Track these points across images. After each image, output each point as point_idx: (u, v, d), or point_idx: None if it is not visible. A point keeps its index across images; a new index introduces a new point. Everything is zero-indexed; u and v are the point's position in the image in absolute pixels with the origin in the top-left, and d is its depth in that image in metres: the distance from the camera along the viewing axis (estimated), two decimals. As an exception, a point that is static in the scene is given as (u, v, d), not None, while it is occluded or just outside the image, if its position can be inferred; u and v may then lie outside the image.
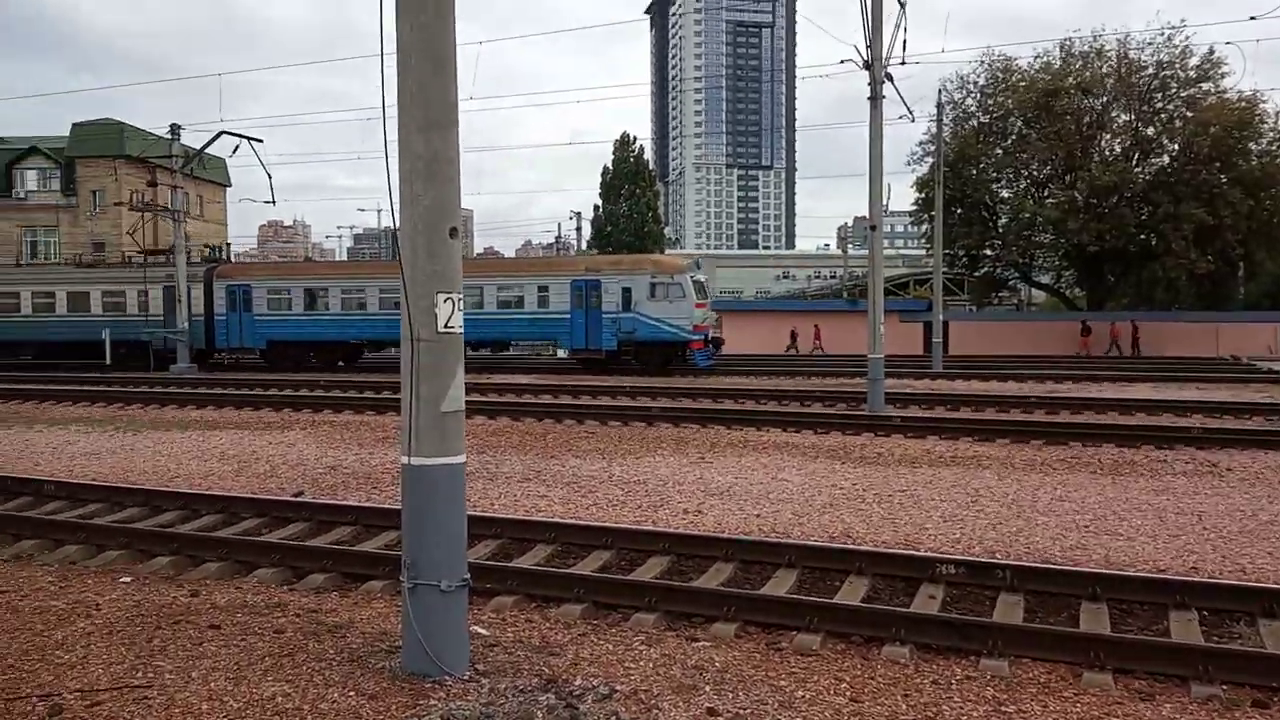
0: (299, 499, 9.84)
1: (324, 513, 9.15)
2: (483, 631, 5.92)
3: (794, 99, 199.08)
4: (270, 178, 43.46)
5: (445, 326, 5.21)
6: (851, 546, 7.58)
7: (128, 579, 7.33)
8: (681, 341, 29.42)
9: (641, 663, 5.42)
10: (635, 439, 14.76)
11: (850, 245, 66.59)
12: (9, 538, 8.65)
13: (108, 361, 33.62)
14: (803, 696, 4.94)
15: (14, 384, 25.56)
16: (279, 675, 5.17)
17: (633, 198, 62.90)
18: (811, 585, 6.98)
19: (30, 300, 35.39)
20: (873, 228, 18.70)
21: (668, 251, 73.42)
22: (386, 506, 9.19)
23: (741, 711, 4.73)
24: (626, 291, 29.69)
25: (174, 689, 4.99)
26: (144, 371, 31.63)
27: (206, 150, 34.40)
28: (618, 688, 4.97)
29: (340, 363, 33.95)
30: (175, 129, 34.82)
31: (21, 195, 54.01)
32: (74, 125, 53.29)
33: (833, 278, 69.19)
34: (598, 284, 30.14)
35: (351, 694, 4.90)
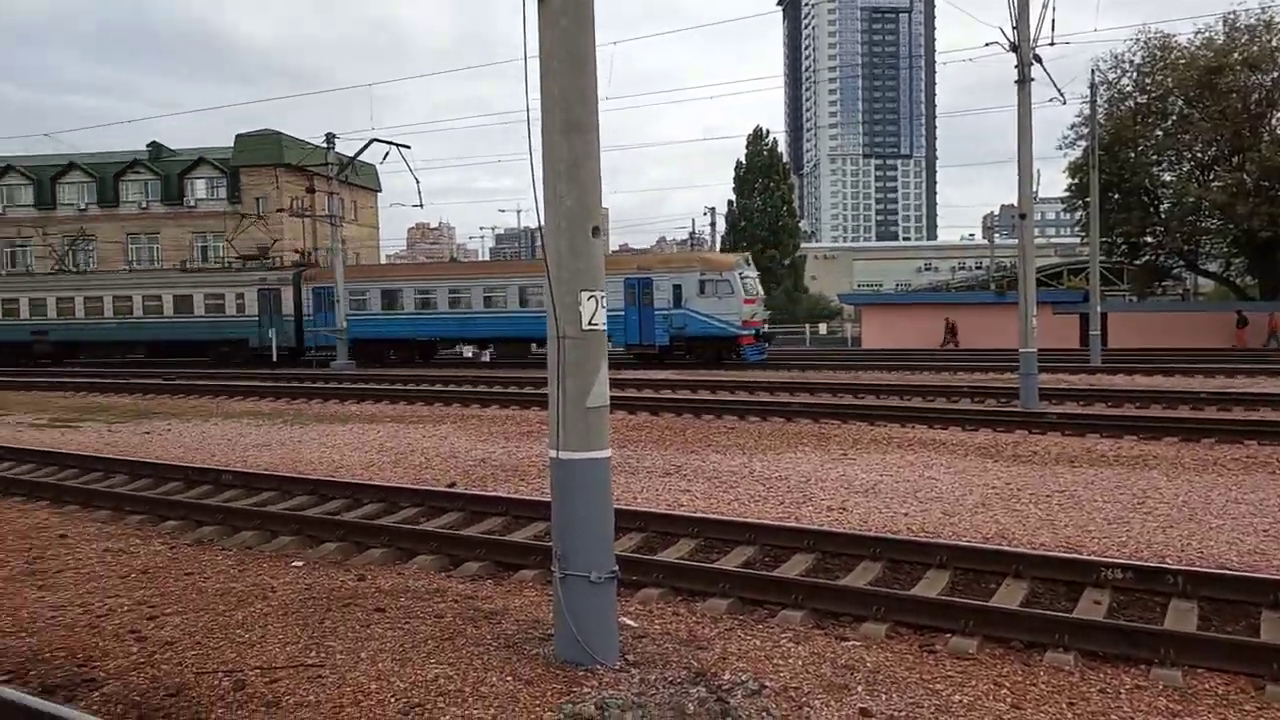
0: (452, 490, 10.20)
1: (476, 503, 9.45)
2: (631, 623, 5.99)
3: (934, 85, 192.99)
4: (418, 182, 45.54)
5: (590, 324, 5.29)
6: (1008, 548, 7.28)
7: (299, 563, 7.77)
8: (731, 336, 30.17)
9: (790, 660, 5.38)
10: (775, 435, 14.64)
11: (997, 235, 64.10)
12: (193, 524, 9.31)
13: (274, 359, 35.77)
14: (960, 701, 4.79)
15: (192, 380, 27.50)
16: (441, 658, 5.38)
17: (766, 191, 62.37)
18: (965, 587, 6.75)
19: (141, 303, 38.08)
20: (1022, 216, 17.95)
21: (804, 246, 72.42)
22: (534, 498, 9.42)
23: (896, 714, 4.63)
24: (677, 288, 30.56)
25: (344, 668, 5.26)
26: (267, 367, 33.33)
27: (358, 157, 36.07)
28: (767, 684, 4.95)
29: (417, 358, 35.46)
30: (330, 138, 36.60)
31: (192, 203, 57.88)
32: (237, 136, 56.73)
33: (978, 269, 66.75)
34: (649, 282, 31.14)
35: (509, 678, 5.06)
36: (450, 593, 6.76)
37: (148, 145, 59.78)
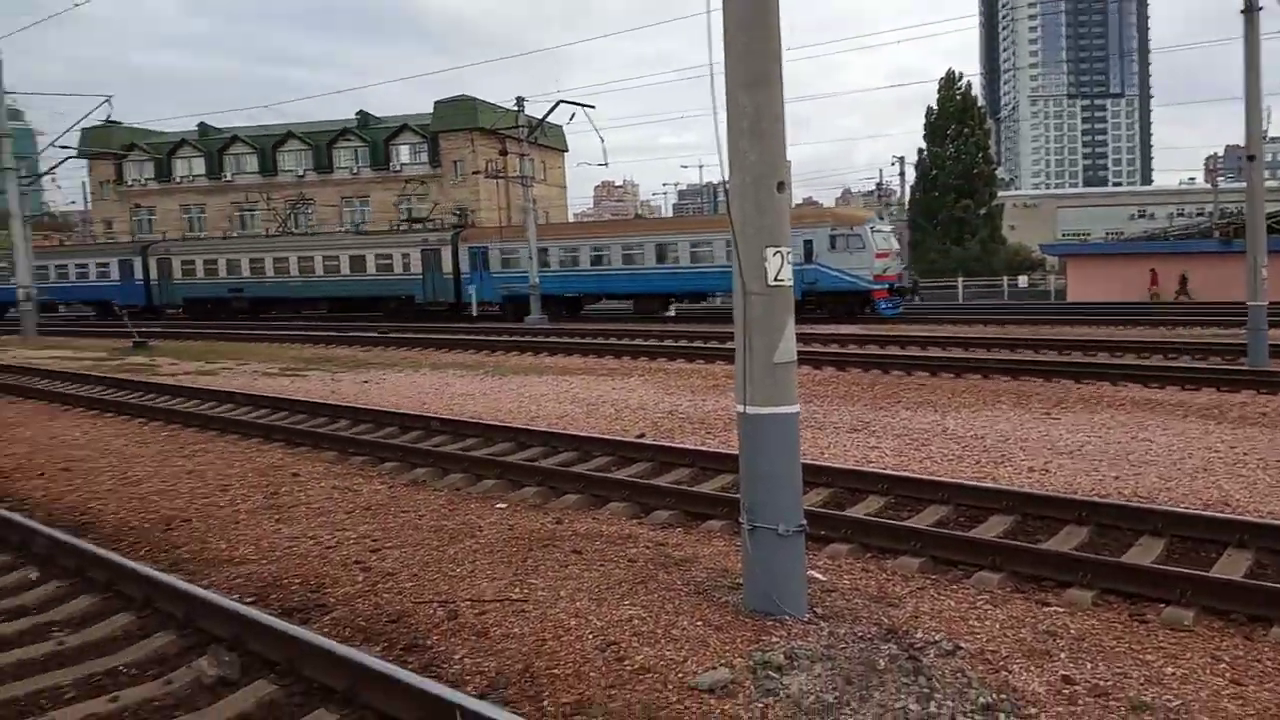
0: (641, 440, 10.46)
1: (664, 454, 9.66)
2: (819, 577, 6.00)
3: (1146, 19, 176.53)
4: (603, 141, 46.63)
5: (775, 279, 5.27)
6: (1232, 516, 6.77)
7: (502, 505, 8.23)
8: (862, 291, 30.64)
9: (987, 622, 5.24)
10: (970, 392, 14.10)
11: (1221, 178, 58.57)
12: (408, 465, 10.02)
13: (474, 314, 37.69)
14: (1172, 673, 4.55)
15: (403, 334, 29.36)
16: (634, 600, 5.59)
17: (960, 138, 59.29)
18: (1182, 556, 6.34)
19: (321, 263, 41.52)
20: (1250, 157, 16.39)
21: (1001, 194, 68.56)
22: (720, 451, 9.53)
23: (1101, 682, 4.45)
24: (808, 244, 30.77)
25: (546, 604, 5.56)
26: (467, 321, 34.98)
27: (546, 119, 36.99)
28: (962, 645, 4.86)
29: (564, 311, 36.63)
30: (520, 101, 37.71)
31: (397, 168, 61.20)
32: (436, 103, 59.35)
33: (1199, 215, 61.15)
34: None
35: (699, 623, 5.19)
36: (642, 539, 6.99)
37: (356, 114, 63.58)
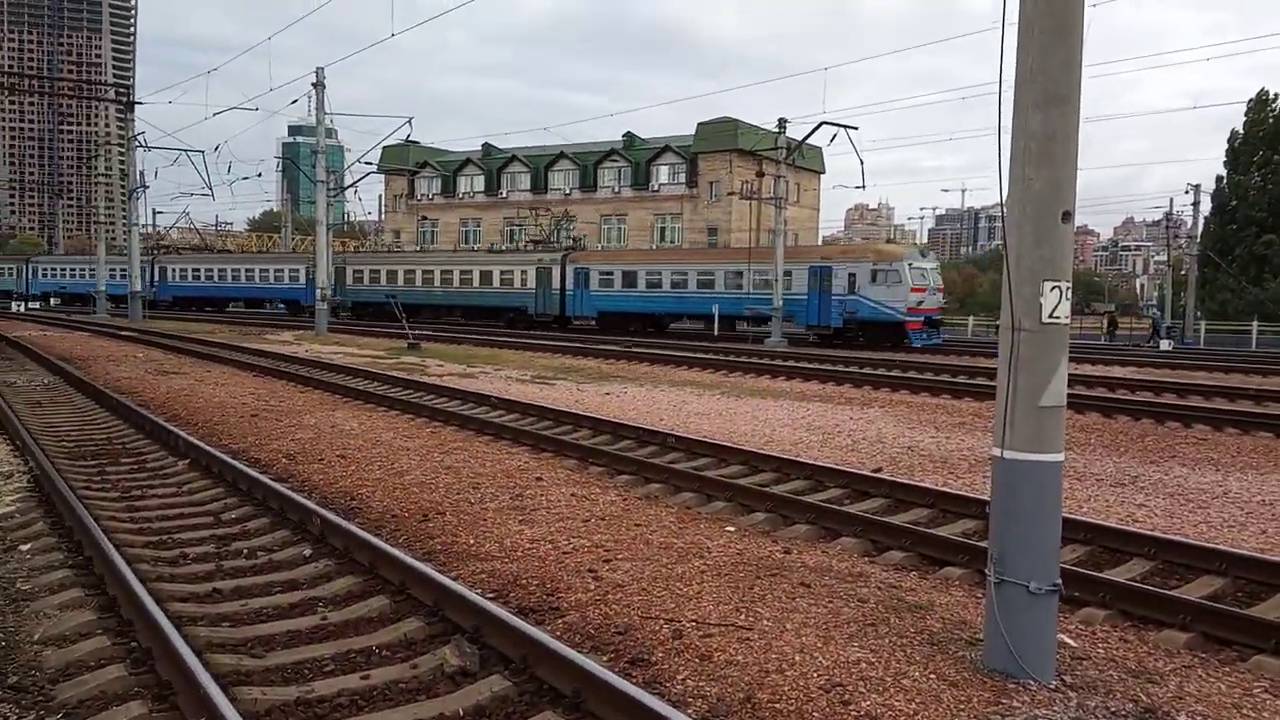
0: (878, 475, 10.12)
1: (902, 491, 9.29)
2: (1070, 642, 5.52)
3: None
4: (862, 164, 44.64)
5: (1050, 316, 4.93)
6: None
7: (731, 529, 8.20)
8: (897, 322, 33.27)
9: (1264, 714, 4.63)
10: (1259, 451, 12.58)
11: None
12: (642, 479, 10.23)
13: (715, 333, 38.53)
14: None
15: (646, 349, 30.18)
16: (862, 643, 5.36)
17: (1269, 166, 53.24)
18: None
19: (458, 276, 47.53)
20: None
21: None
22: (964, 493, 9.03)
23: None
24: (852, 276, 34.22)
25: (770, 635, 5.45)
26: (740, 342, 35.63)
27: (806, 140, 36.80)
28: (1236, 739, 4.29)
29: (650, 329, 40.90)
30: (782, 123, 37.70)
31: (655, 188, 63.12)
32: (699, 125, 60.70)
33: None
34: (829, 270, 35.14)
35: (932, 676, 4.91)
36: (873, 578, 6.72)
37: (623, 135, 66.29)
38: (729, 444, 11.89)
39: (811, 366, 24.41)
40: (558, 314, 43.83)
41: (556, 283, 43.89)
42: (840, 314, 34.73)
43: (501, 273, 46.31)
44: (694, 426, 14.16)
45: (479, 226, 69.75)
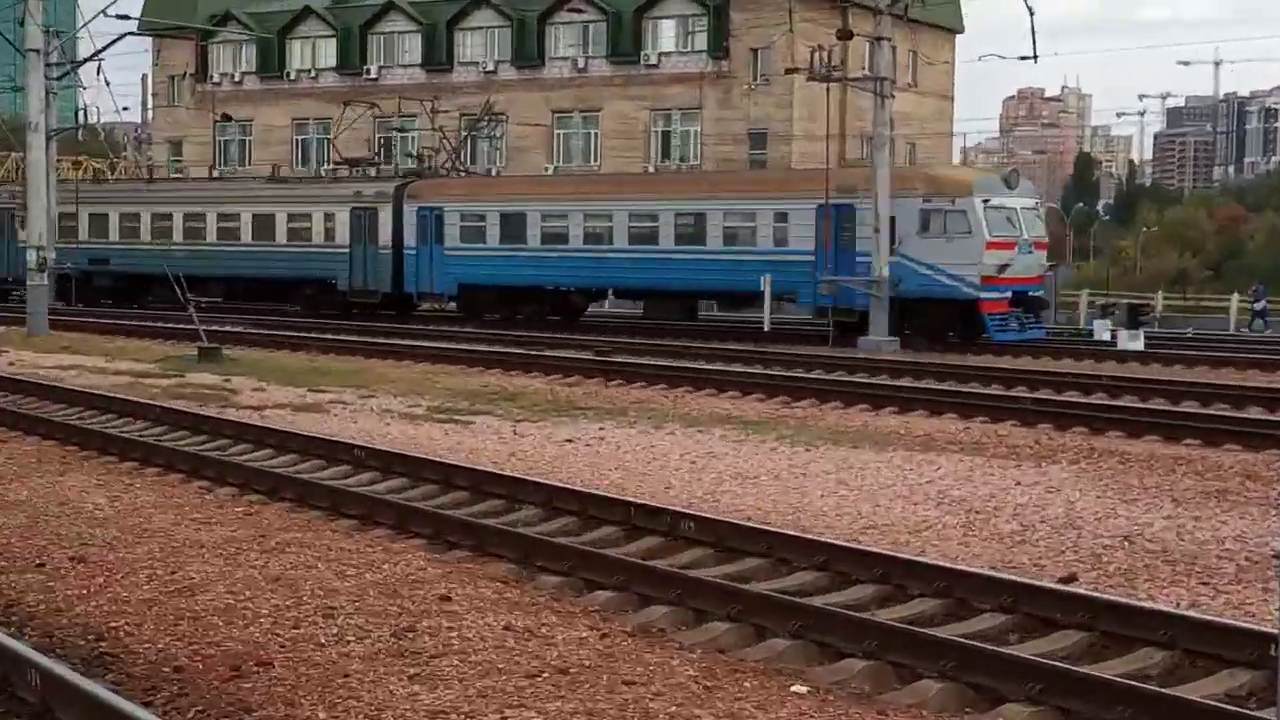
0: (1070, 587, 10.11)
1: (1115, 619, 9.27)
2: None
3: None
4: (1031, 13, 40.75)
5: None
6: None
7: (802, 690, 8.18)
8: (963, 299, 35.15)
9: None
10: None
11: None
12: (634, 596, 10.23)
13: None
14: None
15: (639, 355, 30.20)
16: None
17: None
18: None
19: (215, 224, 47.92)
20: None
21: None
22: (1231, 623, 9.06)
23: None
24: (890, 222, 35.21)
25: None
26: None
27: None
28: None
29: (549, 316, 42.75)
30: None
31: (651, 61, 62.91)
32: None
33: None
34: (851, 210, 36.71)
35: None
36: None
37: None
38: (792, 530, 11.84)
39: (943, 389, 24.53)
40: (390, 290, 45.63)
41: (386, 235, 45.28)
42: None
43: (289, 219, 47.55)
44: (728, 499, 14.15)
45: (327, 133, 69.63)
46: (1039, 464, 16.84)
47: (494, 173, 56.19)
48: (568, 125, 64.90)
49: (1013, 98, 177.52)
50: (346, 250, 45.89)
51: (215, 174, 64.78)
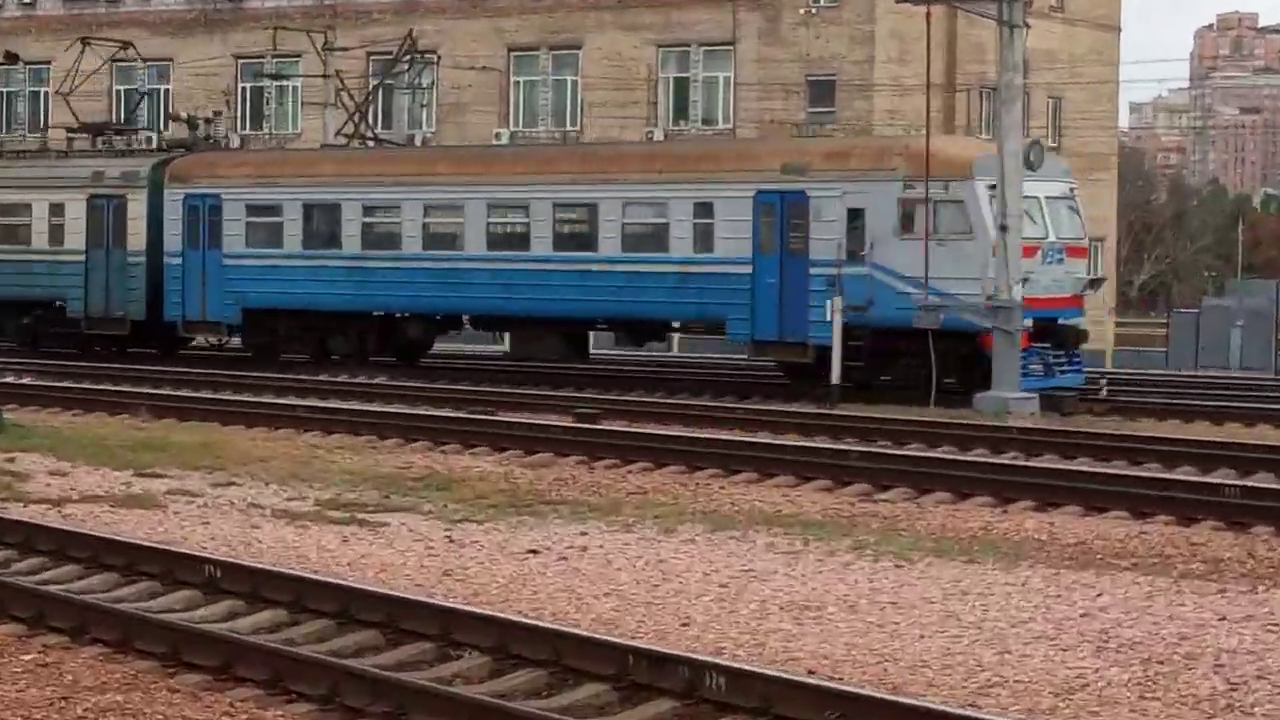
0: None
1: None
2: None
3: None
4: None
5: None
6: None
7: None
8: (965, 331, 36.69)
9: None
10: None
11: None
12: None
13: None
14: None
15: (668, 426, 30.25)
16: None
17: None
18: None
19: None
20: None
21: None
22: None
23: None
24: (856, 217, 37.40)
25: None
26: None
27: None
28: None
29: (382, 357, 44.27)
30: None
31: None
32: None
33: None
34: (802, 200, 38.45)
35: None
36: None
37: None
38: (879, 693, 11.80)
39: (1101, 472, 24.48)
40: (143, 317, 46.36)
41: (140, 237, 45.99)
42: (829, 312, 36.89)
43: (4, 211, 48.55)
44: (780, 642, 14.15)
45: (168, 83, 69.87)
46: (1254, 588, 16.82)
47: (419, 142, 55.66)
48: (530, 69, 65.19)
49: (1210, 28, 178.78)
50: (81, 259, 46.19)
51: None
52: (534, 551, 18.49)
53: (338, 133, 51.84)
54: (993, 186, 35.98)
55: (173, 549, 17.32)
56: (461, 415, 32.38)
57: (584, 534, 19.59)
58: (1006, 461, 25.80)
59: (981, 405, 35.42)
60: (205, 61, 66.63)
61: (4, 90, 71.47)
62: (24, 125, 70.37)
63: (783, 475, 24.73)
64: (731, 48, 61.21)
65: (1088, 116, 61.43)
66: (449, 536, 19.51)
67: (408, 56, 54.88)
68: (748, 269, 38.12)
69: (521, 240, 41.94)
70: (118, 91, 62.28)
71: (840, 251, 37.15)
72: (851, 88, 58.90)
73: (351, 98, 52.49)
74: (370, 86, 53.74)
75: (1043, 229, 36.97)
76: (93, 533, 18.47)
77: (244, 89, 65.99)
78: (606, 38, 63.34)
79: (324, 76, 54.07)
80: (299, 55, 57.00)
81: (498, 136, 61.72)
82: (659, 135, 59.98)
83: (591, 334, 45.99)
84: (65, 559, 17.43)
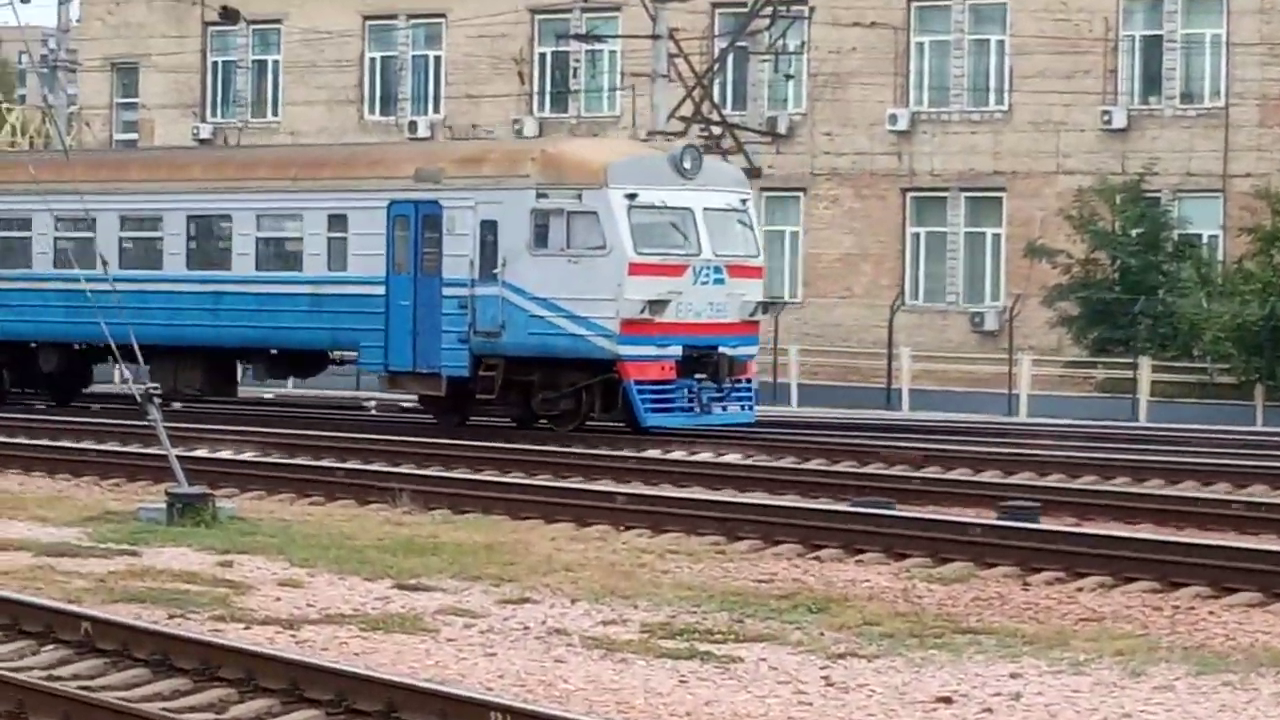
0: None
1: None
2: None
3: None
4: None
5: None
6: None
7: None
8: (598, 358, 41.57)
9: None
10: None
11: None
12: None
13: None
14: None
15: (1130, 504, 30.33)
16: None
17: None
18: None
19: None
20: None
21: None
22: None
23: None
24: (489, 230, 40.91)
25: None
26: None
27: None
28: None
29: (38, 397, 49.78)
30: None
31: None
32: None
33: None
34: (437, 211, 43.06)
35: None
36: None
37: None
38: None
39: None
40: None
41: None
42: (465, 339, 41.71)
43: None
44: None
45: (438, 48, 71.56)
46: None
47: (782, 128, 56.91)
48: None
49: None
50: None
51: None
52: (946, 699, 18.38)
53: (672, 115, 52.75)
54: (631, 195, 39.53)
55: (447, 690, 17.31)
56: (843, 509, 32.62)
57: (1016, 675, 19.50)
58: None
59: None
60: (488, 19, 67.96)
61: (219, 60, 73.78)
62: (245, 106, 72.43)
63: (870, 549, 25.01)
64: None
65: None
66: (826, 677, 19.42)
67: (768, 10, 55.53)
68: (381, 290, 42.19)
69: (155, 257, 45.42)
70: (371, 60, 64.12)
71: (473, 270, 41.18)
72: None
73: (691, 68, 53.31)
74: (716, 51, 54.31)
75: (692, 245, 40.63)
76: (338, 665, 18.53)
77: (542, 55, 67.35)
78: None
79: (653, 37, 54.93)
80: (618, 8, 58.15)
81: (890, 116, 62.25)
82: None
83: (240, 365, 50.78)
84: (300, 700, 17.50)
